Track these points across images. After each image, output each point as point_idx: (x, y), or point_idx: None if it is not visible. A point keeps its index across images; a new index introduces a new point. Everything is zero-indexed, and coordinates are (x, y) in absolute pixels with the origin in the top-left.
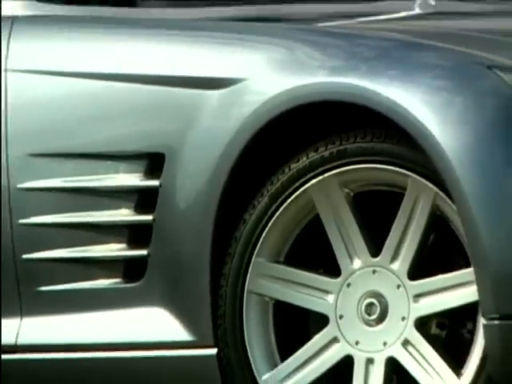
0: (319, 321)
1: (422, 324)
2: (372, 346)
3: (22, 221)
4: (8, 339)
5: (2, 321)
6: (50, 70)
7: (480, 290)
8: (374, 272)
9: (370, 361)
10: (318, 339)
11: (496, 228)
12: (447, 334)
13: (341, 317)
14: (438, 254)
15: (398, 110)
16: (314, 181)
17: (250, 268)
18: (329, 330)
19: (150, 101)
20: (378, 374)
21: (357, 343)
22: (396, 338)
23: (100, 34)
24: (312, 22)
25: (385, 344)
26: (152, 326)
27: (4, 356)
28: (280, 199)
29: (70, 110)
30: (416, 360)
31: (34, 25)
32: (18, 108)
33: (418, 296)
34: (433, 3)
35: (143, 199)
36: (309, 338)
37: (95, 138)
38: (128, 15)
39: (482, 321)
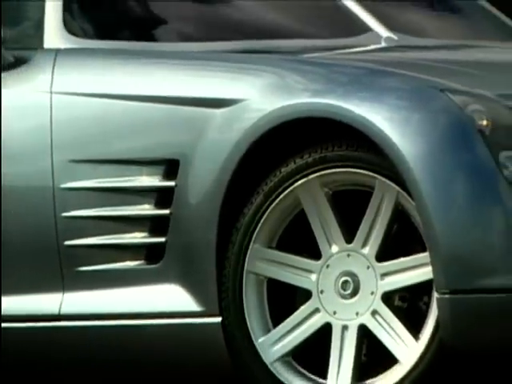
0: (304, 295)
1: (388, 297)
2: (347, 316)
3: (63, 214)
4: (52, 310)
5: (46, 295)
6: (87, 92)
7: (434, 270)
8: (348, 255)
9: (345, 327)
10: (303, 310)
11: (445, 220)
12: (408, 305)
13: (321, 292)
14: (400, 241)
15: (368, 124)
16: (299, 182)
17: (248, 252)
18: (312, 302)
19: (167, 117)
20: (351, 338)
21: (334, 313)
22: (366, 309)
23: (127, 64)
24: (297, 54)
25: (357, 314)
26: (169, 299)
27: (48, 324)
28: (272, 197)
29: (103, 124)
30: (382, 327)
31: (74, 56)
32: (61, 122)
33: (384, 275)
34: (396, 38)
35: (162, 197)
36: (296, 309)
37: (124, 148)
38: (150, 48)
39: (435, 295)
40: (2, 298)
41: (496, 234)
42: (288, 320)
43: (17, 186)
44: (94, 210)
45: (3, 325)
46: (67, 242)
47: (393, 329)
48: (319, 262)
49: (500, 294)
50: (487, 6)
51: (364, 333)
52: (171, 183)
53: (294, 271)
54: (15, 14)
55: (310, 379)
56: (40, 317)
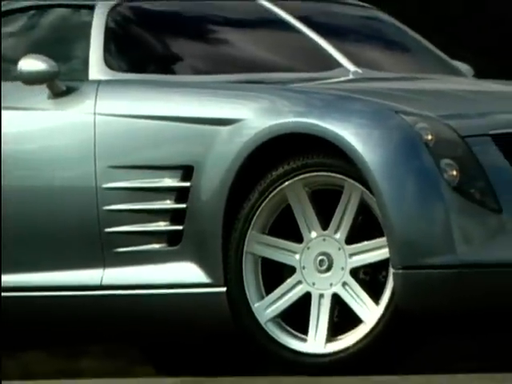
0: (289, 270)
1: (355, 272)
2: (323, 286)
3: (104, 208)
4: (95, 282)
5: (90, 271)
6: (122, 113)
7: (390, 251)
8: (324, 240)
9: (321, 295)
10: (288, 282)
11: (399, 212)
12: (370, 278)
13: (303, 268)
14: (364, 228)
15: (339, 138)
16: (286, 183)
17: (247, 237)
18: (296, 276)
19: (184, 133)
20: (326, 304)
21: (313, 284)
22: (338, 281)
23: (153, 91)
24: (284, 84)
25: (331, 285)
26: (185, 273)
27: (92, 292)
28: (265, 194)
29: (134, 138)
30: (351, 295)
31: (112, 86)
32: (103, 137)
33: (352, 255)
34: (360, 72)
35: (180, 194)
36: (283, 281)
37: (150, 156)
38: (171, 79)
39: (391, 270)
40: (56, 273)
41: (438, 224)
42: (277, 290)
43: (68, 186)
44: (127, 204)
45: (55, 293)
46: (107, 229)
47: (359, 296)
48: (301, 245)
49: (441, 270)
50: (431, 46)
51: (336, 300)
52: (187, 184)
53: (282, 252)
54: (66, 53)
55: (294, 335)
56: (86, 287)
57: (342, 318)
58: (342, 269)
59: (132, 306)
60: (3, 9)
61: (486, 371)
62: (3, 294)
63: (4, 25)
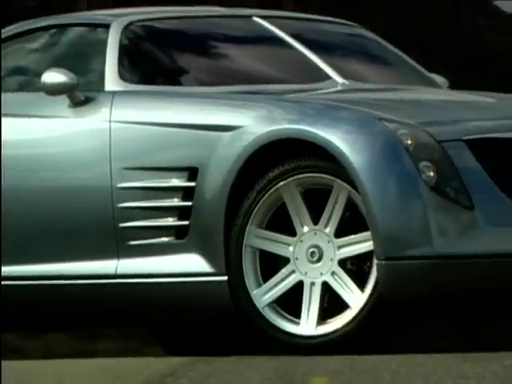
0: (284, 261)
1: (342, 262)
2: (314, 275)
3: (119, 205)
4: (110, 271)
5: (106, 261)
6: (135, 120)
7: (374, 244)
8: (315, 233)
9: (312, 283)
10: (283, 271)
11: (382, 209)
12: (356, 268)
13: (296, 259)
14: (351, 223)
15: (328, 143)
16: (281, 183)
17: (246, 232)
18: (290, 266)
19: (190, 138)
20: (317, 291)
21: (305, 273)
22: (327, 271)
23: (162, 101)
24: (279, 94)
25: (321, 274)
26: (191, 263)
27: (108, 280)
28: (263, 193)
29: (146, 143)
30: (339, 283)
31: (125, 96)
32: (117, 142)
33: (340, 247)
34: (348, 83)
35: (186, 193)
36: (278, 270)
37: (160, 159)
38: (177, 91)
39: (375, 261)
40: (76, 263)
41: (416, 219)
42: (273, 278)
43: (86, 186)
44: (139, 202)
45: (74, 281)
46: (121, 224)
47: (346, 284)
48: (295, 238)
49: (419, 260)
50: (409, 60)
51: (326, 287)
52: (192, 184)
53: (277, 244)
54: (85, 67)
55: (288, 319)
56: (102, 276)
57: (331, 303)
58: (331, 260)
59: (143, 293)
60: (28, 27)
61: (461, 351)
62: (30, 282)
63: (28, 41)
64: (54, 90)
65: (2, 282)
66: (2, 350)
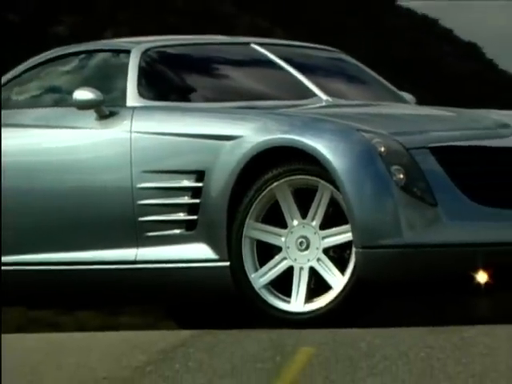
0: (277, 249)
1: (326, 251)
2: (302, 261)
3: (138, 202)
4: (131, 258)
5: (127, 250)
6: (152, 131)
7: (353, 235)
8: (303, 226)
9: (301, 268)
10: (276, 258)
11: (359, 206)
12: (338, 255)
13: (288, 247)
14: (333, 217)
15: (314, 150)
16: (275, 184)
17: (245, 225)
18: (282, 254)
19: (198, 146)
20: (305, 275)
21: (295, 260)
22: (314, 258)
23: (175, 114)
24: (272, 109)
25: (308, 260)
26: (199, 252)
27: (128, 266)
28: (259, 192)
29: (161, 150)
30: (323, 268)
31: (144, 110)
32: (137, 149)
33: (324, 237)
34: (331, 100)
35: (195, 192)
36: (272, 257)
37: (173, 163)
38: (188, 106)
39: (354, 249)
40: (101, 251)
41: (388, 214)
42: (268, 264)
43: (111, 186)
44: (155, 199)
45: (100, 266)
46: (140, 219)
47: (329, 269)
48: (286, 230)
49: (391, 249)
50: (383, 80)
51: (312, 271)
52: (200, 184)
53: (271, 235)
54: (109, 86)
55: (281, 298)
56: (124, 262)
57: (317, 285)
58: (317, 248)
59: (158, 276)
60: (61, 52)
61: (426, 325)
62: (64, 267)
63: (61, 64)
64: (84, 106)
65: (41, 267)
66: (40, 324)
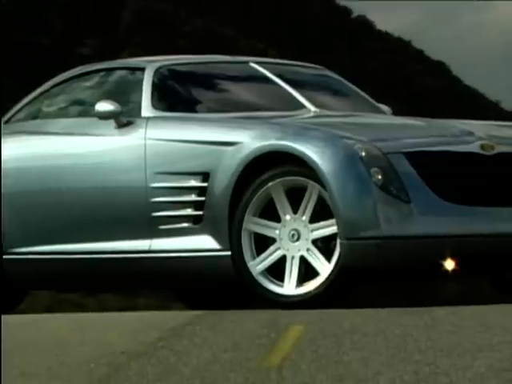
0: (272, 240)
1: (315, 241)
2: (294, 251)
3: (152, 200)
4: (145, 247)
5: (142, 240)
6: (163, 138)
7: (338, 228)
8: (294, 220)
9: (293, 257)
10: (271, 248)
11: (343, 203)
12: (325, 245)
13: (281, 239)
14: (320, 213)
15: (304, 154)
16: (270, 184)
17: (244, 219)
18: (276, 244)
19: (204, 151)
20: (296, 262)
21: (287, 250)
22: (304, 247)
23: (185, 123)
24: (267, 119)
25: (299, 250)
26: (204, 242)
27: (143, 255)
28: (256, 191)
29: (171, 154)
30: (312, 257)
31: (157, 120)
32: (150, 154)
33: (313, 230)
34: (318, 111)
35: (201, 190)
36: (268, 247)
37: (182, 166)
38: (194, 116)
39: (338, 240)
40: (120, 242)
41: (368, 210)
42: (264, 253)
43: (128, 186)
44: (167, 197)
45: (119, 255)
46: (153, 214)
47: (317, 257)
48: (280, 224)
49: (370, 240)
50: (363, 93)
51: (303, 260)
52: (205, 184)
53: (267, 228)
54: (127, 99)
55: (275, 283)
56: (140, 251)
57: (307, 271)
58: (307, 239)
59: (169, 264)
60: (85, 70)
61: (401, 306)
62: (88, 256)
63: (85, 80)
64: (104, 116)
65: (68, 256)
66: (67, 305)
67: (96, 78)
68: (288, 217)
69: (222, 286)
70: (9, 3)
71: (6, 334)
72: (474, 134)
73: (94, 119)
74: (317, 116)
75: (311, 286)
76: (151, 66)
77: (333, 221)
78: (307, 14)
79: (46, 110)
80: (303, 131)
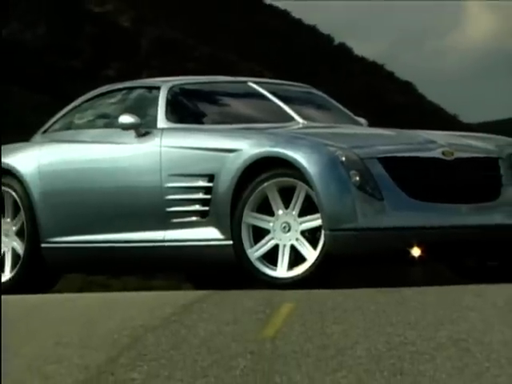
0: (266, 231)
1: (303, 232)
2: (285, 240)
3: (166, 197)
4: (161, 238)
5: (158, 231)
6: (176, 145)
7: (322, 221)
8: (286, 214)
9: (284, 245)
10: (266, 238)
11: (327, 200)
12: (311, 236)
13: (274, 230)
14: (308, 208)
15: (294, 159)
16: (265, 184)
17: (244, 214)
18: (270, 235)
19: (210, 156)
20: (287, 250)
21: (280, 239)
22: (294, 237)
23: (193, 133)
24: (262, 129)
25: (290, 239)
26: (210, 234)
27: (158, 244)
28: (254, 190)
29: (183, 159)
30: (301, 245)
31: (170, 131)
32: (165, 159)
33: (301, 223)
34: (306, 123)
35: (207, 190)
36: (263, 237)
37: (191, 168)
38: (201, 127)
39: (323, 232)
40: (139, 233)
41: (348, 206)
42: (260, 242)
43: (145, 186)
44: (179, 195)
45: (139, 244)
46: (167, 209)
47: (305, 246)
48: (273, 218)
49: (349, 231)
50: (343, 108)
51: (293, 248)
52: (211, 184)
53: (263, 221)
54: (144, 112)
55: (270, 267)
56: (156, 241)
57: (296, 257)
58: (296, 231)
59: (180, 252)
60: (109, 88)
61: (376, 287)
62: (112, 244)
63: (110, 97)
64: (126, 127)
65: (96, 245)
66: (96, 286)
67: (119, 95)
68: (280, 212)
69: (225, 270)
70: (47, 33)
71: (44, 310)
72: (436, 142)
73: (118, 130)
74: (304, 127)
75: (300, 269)
76: (165, 85)
77: (318, 215)
78: (296, 42)
79: (77, 122)
80: (293, 140)
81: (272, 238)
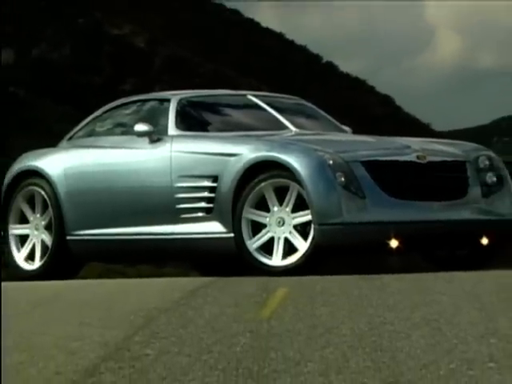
0: (263, 225)
1: (296, 226)
2: (280, 233)
3: (176, 196)
4: (171, 231)
5: (169, 225)
6: (184, 150)
7: (312, 216)
8: (280, 211)
9: (279, 238)
10: (263, 231)
11: (316, 198)
12: (303, 229)
13: (270, 224)
14: (300, 205)
15: (287, 163)
16: (262, 184)
17: (243, 210)
18: (267, 228)
19: (214, 160)
20: (281, 242)
21: (275, 232)
22: (287, 231)
23: (199, 140)
24: (259, 137)
25: (283, 232)
26: (214, 228)
27: (169, 236)
28: (252, 190)
29: (191, 162)
30: (293, 238)
31: (179, 137)
32: (175, 163)
33: (294, 218)
34: (299, 131)
35: (211, 189)
36: (261, 230)
37: (198, 170)
38: (207, 134)
39: (313, 226)
40: (152, 227)
41: (334, 203)
42: (258, 235)
43: (158, 186)
44: (187, 194)
45: (152, 237)
46: (177, 206)
47: (297, 238)
48: (269, 213)
49: (332, 226)
50: (330, 117)
51: (286, 240)
52: (215, 184)
53: (260, 217)
54: (157, 121)
55: (266, 257)
56: (166, 234)
57: (289, 248)
58: (289, 225)
59: (188, 243)
60: (124, 101)
61: (359, 274)
62: (128, 237)
63: (126, 108)
64: (141, 134)
65: (114, 237)
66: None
67: (134, 107)
68: (275, 208)
69: (227, 259)
70: (72, 53)
71: (69, 295)
72: (411, 148)
73: (133, 137)
74: (296, 134)
75: (293, 259)
76: (175, 97)
77: (308, 211)
78: (289, 60)
79: (98, 130)
80: (286, 145)
81: (268, 231)
